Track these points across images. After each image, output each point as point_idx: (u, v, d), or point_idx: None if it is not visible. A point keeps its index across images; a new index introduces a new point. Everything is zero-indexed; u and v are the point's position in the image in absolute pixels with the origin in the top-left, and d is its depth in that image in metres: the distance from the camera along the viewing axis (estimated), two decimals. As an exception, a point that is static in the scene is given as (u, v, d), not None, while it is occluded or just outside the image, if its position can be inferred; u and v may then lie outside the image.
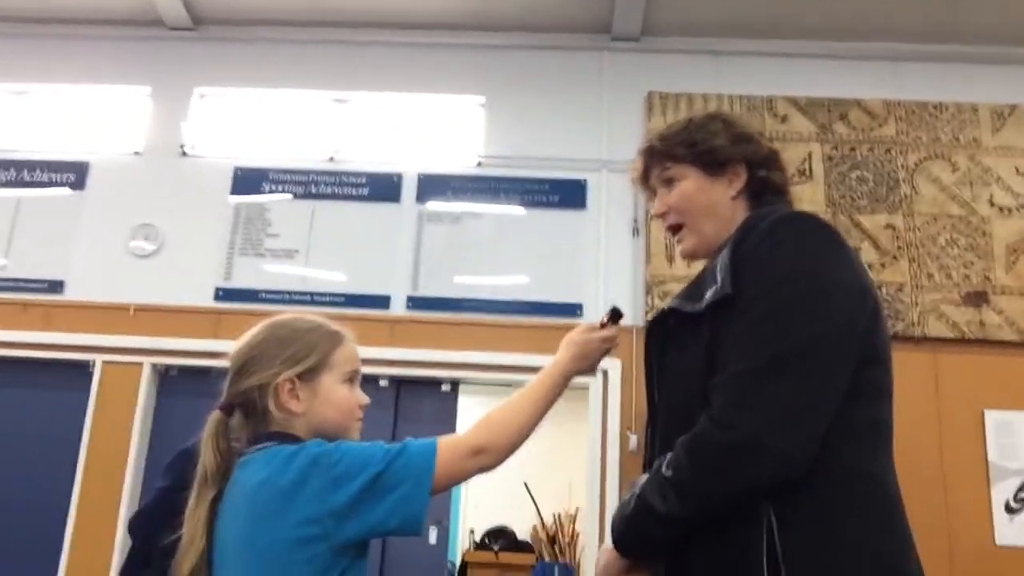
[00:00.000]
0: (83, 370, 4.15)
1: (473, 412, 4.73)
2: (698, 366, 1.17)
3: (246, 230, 4.39)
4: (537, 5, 4.48)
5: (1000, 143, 4.33)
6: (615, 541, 1.24)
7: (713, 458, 1.09)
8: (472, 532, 5.26)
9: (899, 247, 4.17)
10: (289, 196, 4.43)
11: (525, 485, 5.01)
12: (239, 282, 4.30)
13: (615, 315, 1.42)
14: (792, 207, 1.39)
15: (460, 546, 5.36)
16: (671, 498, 1.12)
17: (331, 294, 4.26)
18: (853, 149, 4.34)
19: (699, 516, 1.12)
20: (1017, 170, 4.29)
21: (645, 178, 1.44)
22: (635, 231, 4.29)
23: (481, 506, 5.69)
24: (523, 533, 5.18)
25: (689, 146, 1.36)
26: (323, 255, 4.34)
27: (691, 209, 1.36)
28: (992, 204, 4.24)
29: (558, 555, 5.04)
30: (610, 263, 4.26)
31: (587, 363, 1.40)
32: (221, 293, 4.28)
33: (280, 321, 1.32)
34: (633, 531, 1.20)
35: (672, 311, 1.28)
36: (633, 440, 3.97)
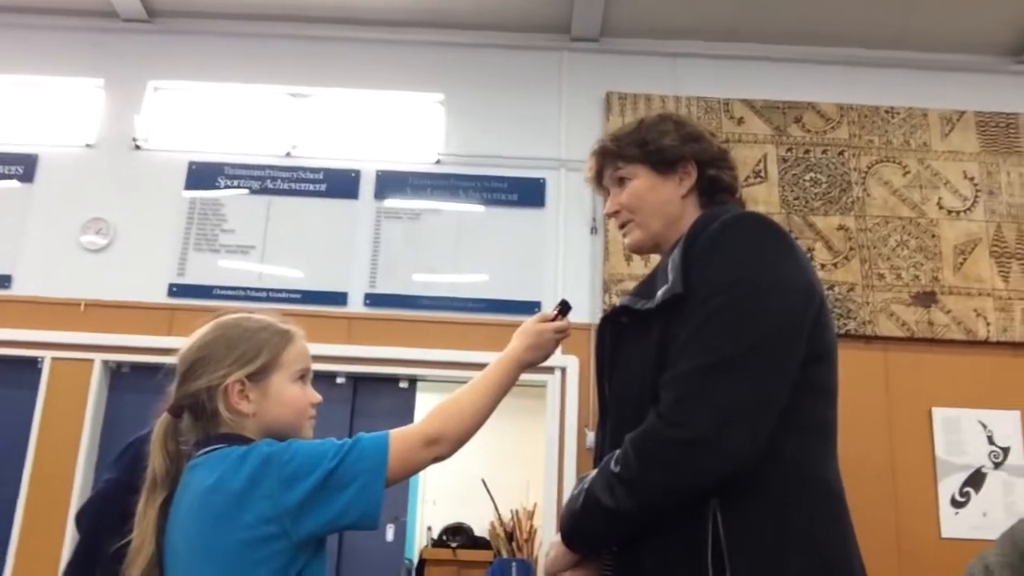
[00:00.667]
0: (32, 367, 4.06)
1: (431, 407, 4.73)
2: (649, 363, 1.19)
3: (200, 225, 4.33)
4: (497, 4, 4.48)
5: (949, 148, 4.44)
6: (563, 535, 1.25)
7: (660, 453, 1.11)
8: (430, 529, 5.24)
9: (851, 248, 4.25)
10: (245, 191, 4.38)
11: (483, 482, 5.01)
12: (193, 278, 4.24)
13: (564, 308, 1.44)
14: (743, 206, 1.42)
15: (418, 543, 5.35)
16: (619, 493, 1.13)
17: (287, 290, 4.22)
18: (807, 151, 4.41)
19: (646, 511, 1.13)
20: (965, 174, 4.40)
21: (599, 178, 1.47)
22: (593, 229, 4.32)
23: (439, 503, 5.68)
24: (481, 530, 5.18)
25: (639, 145, 1.39)
26: (279, 251, 4.30)
27: (641, 207, 1.38)
28: (941, 207, 4.35)
29: (516, 551, 5.05)
30: (568, 261, 4.28)
31: (540, 353, 1.40)
32: (175, 289, 4.21)
33: (228, 321, 1.30)
34: (581, 525, 1.21)
35: (624, 308, 1.30)
36: (590, 437, 4.00)
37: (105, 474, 1.69)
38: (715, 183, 1.38)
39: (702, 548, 1.08)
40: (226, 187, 4.39)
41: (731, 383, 1.09)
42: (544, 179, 4.41)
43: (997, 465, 4.03)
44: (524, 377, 4.58)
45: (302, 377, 1.30)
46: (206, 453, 1.20)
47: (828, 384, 1.21)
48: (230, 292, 4.20)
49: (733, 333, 1.12)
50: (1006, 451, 4.05)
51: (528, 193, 4.39)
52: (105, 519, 1.30)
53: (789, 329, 1.15)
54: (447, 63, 4.60)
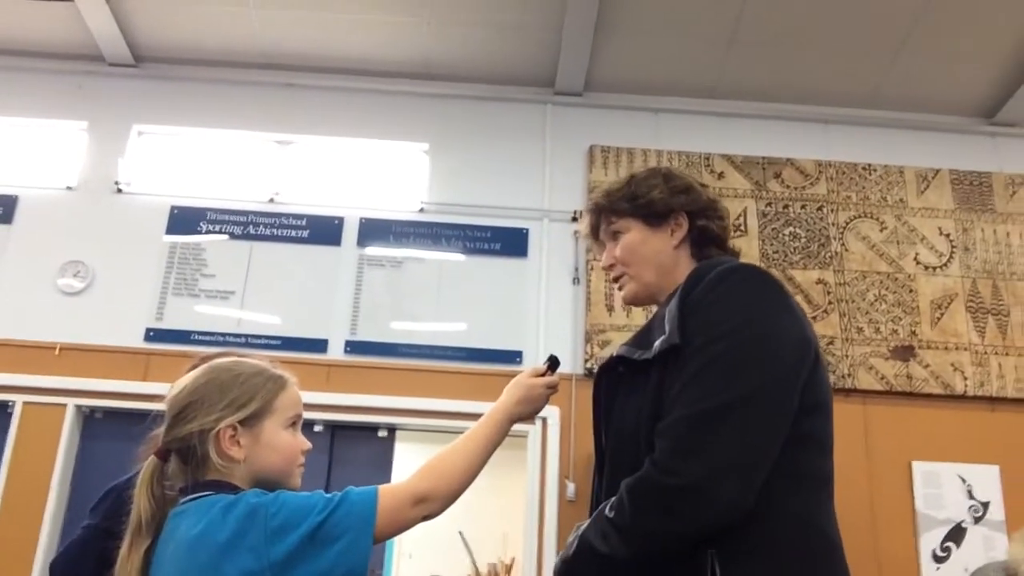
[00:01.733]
0: (2, 411, 3.98)
1: (410, 458, 4.66)
2: (645, 412, 1.19)
3: (181, 270, 4.30)
4: (483, 57, 4.55)
5: (924, 204, 4.52)
6: None
7: (655, 501, 1.11)
8: (406, 583, 5.15)
9: (830, 302, 4.29)
10: (226, 236, 4.37)
11: (460, 534, 4.93)
12: (171, 323, 4.20)
13: (554, 363, 1.45)
14: (736, 255, 1.44)
15: (393, 598, 5.24)
16: (613, 539, 1.13)
17: (267, 336, 4.18)
18: (786, 206, 4.47)
19: (639, 557, 1.12)
20: (940, 230, 4.48)
21: (595, 234, 1.50)
22: (575, 280, 4.33)
23: (415, 556, 5.58)
24: (458, 584, 5.09)
25: (630, 200, 1.42)
26: (260, 297, 4.27)
27: (635, 260, 1.41)
28: (917, 262, 4.41)
29: (493, 607, 4.95)
30: (550, 311, 4.28)
31: (531, 407, 1.40)
32: (152, 334, 4.17)
33: (222, 365, 1.29)
34: (574, 571, 1.20)
35: (621, 359, 1.31)
36: (571, 488, 3.96)
37: (83, 521, 1.65)
38: (705, 233, 1.41)
39: None
40: (208, 232, 4.37)
41: (725, 432, 1.10)
42: (527, 229, 4.43)
43: (977, 520, 4.02)
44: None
45: (293, 424, 1.29)
46: (192, 500, 1.18)
47: (824, 436, 1.22)
48: (208, 338, 4.15)
49: (728, 382, 1.12)
50: (986, 506, 4.05)
51: (511, 243, 4.41)
52: (81, 566, 1.26)
53: (783, 380, 1.15)
54: (433, 113, 4.65)
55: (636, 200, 1.41)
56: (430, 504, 1.21)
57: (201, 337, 4.16)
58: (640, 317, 4.17)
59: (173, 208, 4.40)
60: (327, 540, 1.11)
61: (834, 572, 1.16)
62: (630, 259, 1.41)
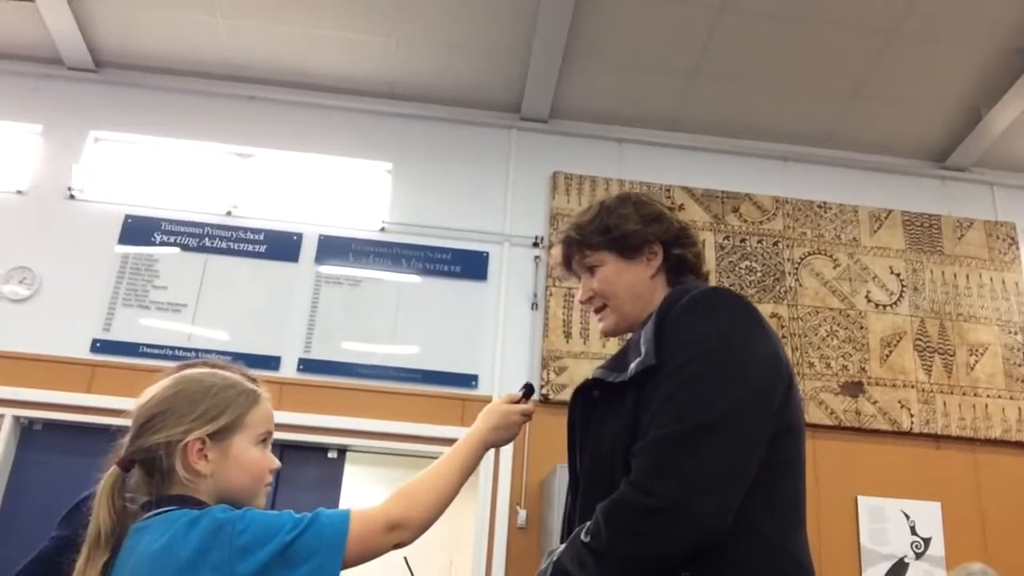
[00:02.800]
0: (-64, 420, 3.84)
1: (359, 481, 4.59)
2: (621, 435, 1.19)
3: (132, 280, 4.20)
4: (450, 79, 4.56)
5: (877, 244, 4.62)
6: None
7: (631, 522, 1.10)
8: (349, 608, 5.04)
9: (783, 336, 4.35)
10: (181, 248, 4.29)
11: (405, 560, 4.85)
12: (119, 334, 4.10)
13: (529, 390, 1.44)
14: (709, 281, 1.45)
15: (336, 623, 5.12)
16: (589, 564, 1.11)
17: (218, 352, 4.08)
18: (744, 240, 4.54)
19: None
20: (891, 270, 4.58)
21: (567, 264, 1.49)
22: (534, 305, 4.33)
23: (361, 581, 5.47)
24: (403, 610, 5.00)
25: (603, 233, 1.41)
26: (213, 311, 4.19)
27: (613, 292, 1.40)
28: (869, 300, 4.50)
29: (438, 634, 4.89)
30: (508, 336, 4.27)
31: (506, 434, 1.39)
32: (98, 345, 4.06)
33: (193, 376, 1.25)
34: None
35: (596, 381, 1.30)
36: (522, 515, 3.93)
37: (54, 531, 1.57)
38: (682, 261, 1.41)
39: None
40: (162, 243, 4.29)
41: (701, 452, 1.10)
42: (488, 253, 4.42)
43: (919, 555, 4.09)
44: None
45: (264, 441, 1.25)
46: (155, 515, 1.13)
47: (796, 458, 1.23)
48: (157, 351, 4.06)
49: (704, 402, 1.13)
50: (927, 541, 4.11)
51: (471, 266, 4.40)
52: None
53: (759, 401, 1.16)
54: (397, 133, 4.64)
55: (609, 233, 1.40)
56: (403, 532, 1.17)
57: (150, 350, 4.06)
58: (597, 345, 4.18)
59: (127, 217, 4.31)
60: (295, 561, 1.07)
61: None
62: (609, 292, 1.40)
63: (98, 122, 4.51)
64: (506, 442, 1.40)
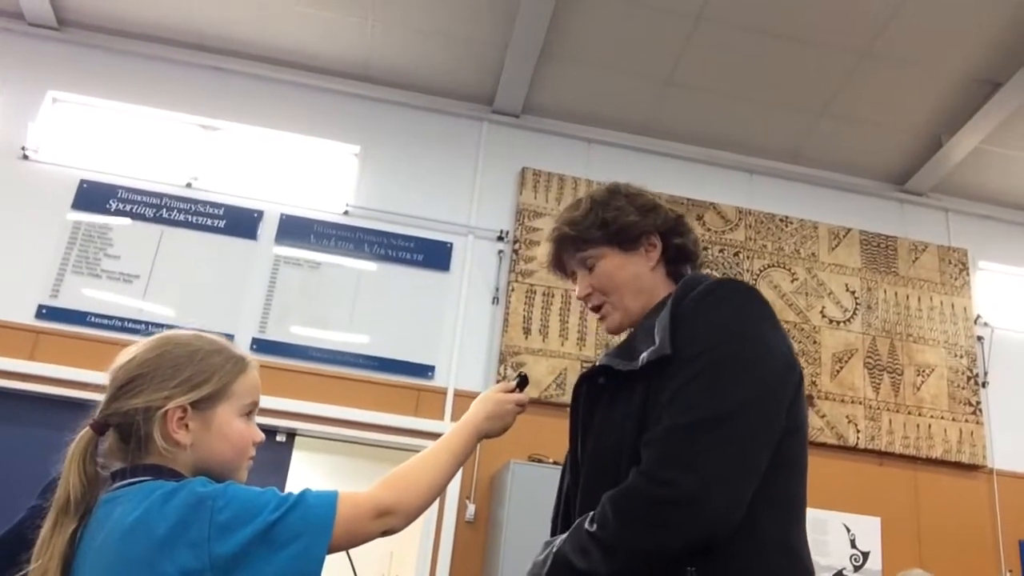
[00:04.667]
0: None
1: (306, 466, 4.52)
2: (630, 424, 1.17)
3: (83, 247, 4.07)
4: (425, 66, 4.52)
5: (834, 260, 4.70)
6: None
7: (642, 513, 1.08)
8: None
9: (739, 345, 4.39)
10: (137, 218, 4.17)
11: (346, 552, 4.80)
12: (67, 302, 3.96)
13: (523, 381, 1.41)
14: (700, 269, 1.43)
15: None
16: (594, 555, 1.09)
17: (169, 326, 3.95)
18: (706, 249, 4.57)
19: (622, 574, 1.09)
20: (847, 287, 4.66)
21: (558, 264, 1.45)
22: (495, 299, 4.31)
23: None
24: (340, 600, 4.95)
25: (601, 227, 1.38)
26: (166, 284, 4.08)
27: (614, 287, 1.38)
28: (823, 315, 4.57)
29: (374, 626, 4.84)
30: (467, 329, 4.24)
31: (499, 424, 1.34)
32: (44, 311, 3.92)
33: (179, 338, 1.18)
34: None
35: (605, 368, 1.27)
36: (471, 510, 3.91)
37: (31, 502, 1.48)
38: (681, 251, 1.39)
39: None
40: (117, 211, 4.16)
41: (716, 443, 1.08)
42: (452, 243, 4.39)
43: (857, 568, 4.17)
44: (404, 443, 4.41)
45: (249, 412, 1.18)
46: (129, 485, 1.06)
47: (801, 457, 1.22)
48: (106, 321, 3.94)
49: (720, 394, 1.11)
50: (866, 555, 4.20)
51: (434, 256, 4.36)
52: (18, 547, 1.12)
53: (773, 395, 1.15)
54: (367, 116, 4.58)
55: (608, 227, 1.37)
56: (392, 518, 1.12)
57: (98, 320, 3.94)
58: (556, 342, 4.18)
59: (82, 182, 4.18)
60: (279, 542, 1.01)
61: None
62: (609, 287, 1.37)
63: (57, 82, 4.35)
64: (499, 432, 1.35)
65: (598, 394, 1.28)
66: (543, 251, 1.47)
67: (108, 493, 1.07)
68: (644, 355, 1.20)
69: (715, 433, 1.09)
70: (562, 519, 1.31)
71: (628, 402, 1.19)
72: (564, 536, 1.17)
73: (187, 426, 1.11)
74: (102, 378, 1.16)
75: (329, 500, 1.08)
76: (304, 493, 1.08)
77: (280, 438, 4.05)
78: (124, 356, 1.15)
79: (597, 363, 1.30)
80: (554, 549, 1.16)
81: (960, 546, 4.32)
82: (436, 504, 3.91)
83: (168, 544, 0.99)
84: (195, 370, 1.13)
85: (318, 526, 1.05)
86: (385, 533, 1.13)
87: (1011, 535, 4.39)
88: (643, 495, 1.09)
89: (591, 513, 1.14)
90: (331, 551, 1.06)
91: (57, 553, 1.03)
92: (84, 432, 1.10)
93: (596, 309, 1.42)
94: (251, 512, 1.02)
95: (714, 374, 1.13)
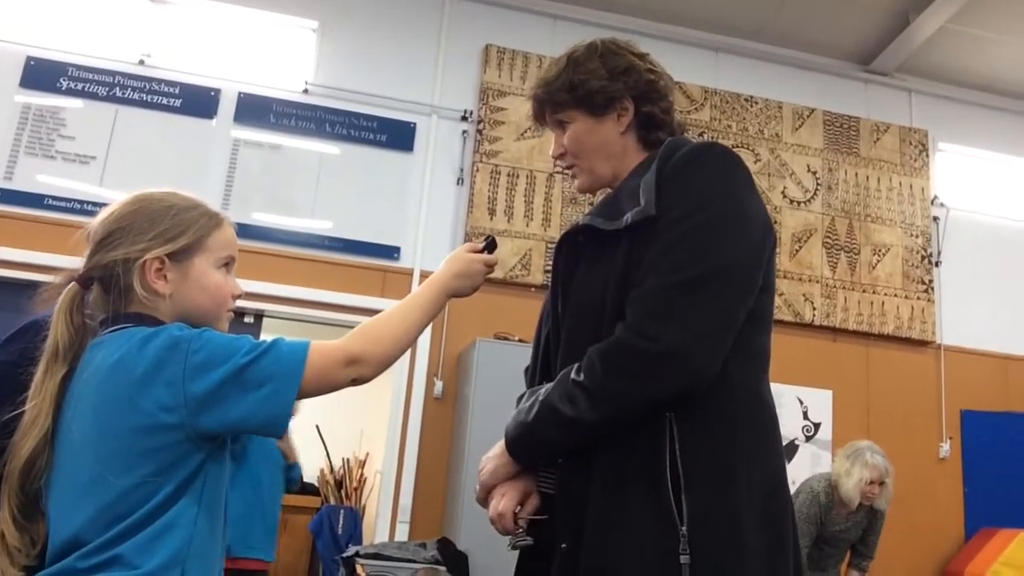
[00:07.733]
0: None
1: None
2: (612, 282, 1.21)
3: (35, 128, 3.96)
4: (383, -64, 4.33)
5: (797, 141, 4.73)
6: (510, 446, 1.24)
7: (628, 363, 1.14)
8: (258, 474, 5.09)
9: (701, 226, 4.44)
10: (89, 97, 4.04)
11: (317, 428, 4.91)
12: (21, 184, 3.88)
13: (491, 244, 1.42)
14: (682, 132, 1.44)
15: (245, 487, 5.17)
16: (581, 402, 1.15)
17: (129, 209, 3.93)
18: (671, 129, 4.56)
19: (607, 421, 1.15)
20: (808, 167, 4.70)
21: (540, 120, 1.46)
22: (459, 180, 4.29)
23: (271, 447, 5.52)
24: (311, 476, 5.09)
25: (569, 90, 1.37)
26: (123, 165, 4.01)
27: (583, 151, 1.39)
28: (784, 196, 4.63)
29: (344, 499, 5.01)
30: (432, 210, 4.24)
31: (468, 283, 1.36)
32: (-1, 194, 3.84)
33: (154, 194, 1.21)
34: (534, 436, 1.21)
35: (587, 228, 1.30)
36: (439, 386, 4.01)
37: None
38: (651, 119, 1.38)
39: (660, 461, 1.13)
40: (68, 90, 4.03)
41: (700, 301, 1.14)
42: (415, 124, 4.33)
43: (808, 438, 4.38)
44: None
45: (226, 264, 1.23)
46: (113, 331, 1.12)
47: (768, 313, 1.28)
48: (63, 204, 3.88)
49: (702, 254, 1.16)
50: (817, 426, 4.40)
51: (397, 136, 4.30)
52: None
53: (753, 256, 1.21)
54: (325, -11, 4.41)
55: (575, 91, 1.36)
56: (361, 367, 1.16)
57: (55, 203, 3.87)
58: (521, 223, 4.20)
59: (29, 59, 4.02)
60: (250, 384, 1.07)
61: (773, 439, 1.25)
62: (578, 150, 1.38)
63: (-5, -49, 4.12)
64: (468, 292, 1.37)
65: (579, 254, 1.31)
66: (529, 107, 1.48)
67: (96, 339, 1.13)
68: (628, 215, 1.22)
69: (701, 292, 1.14)
70: (541, 370, 1.35)
71: (612, 259, 1.23)
72: (550, 386, 1.22)
73: (165, 277, 1.15)
74: (61, 261, 1.19)
75: (301, 347, 1.12)
76: (277, 340, 1.13)
77: (248, 319, 4.08)
78: (103, 212, 1.19)
79: (579, 222, 1.32)
80: (540, 398, 1.21)
81: (906, 417, 4.54)
82: (405, 382, 4.01)
83: (146, 382, 1.05)
84: (171, 223, 1.17)
85: (289, 370, 1.09)
86: (355, 382, 1.18)
87: (954, 405, 4.62)
88: (631, 348, 1.14)
89: (576, 364, 1.19)
90: (301, 396, 1.11)
91: (49, 395, 1.09)
92: (70, 286, 1.15)
93: (569, 169, 1.44)
94: (225, 355, 1.07)
95: (699, 235, 1.17)
